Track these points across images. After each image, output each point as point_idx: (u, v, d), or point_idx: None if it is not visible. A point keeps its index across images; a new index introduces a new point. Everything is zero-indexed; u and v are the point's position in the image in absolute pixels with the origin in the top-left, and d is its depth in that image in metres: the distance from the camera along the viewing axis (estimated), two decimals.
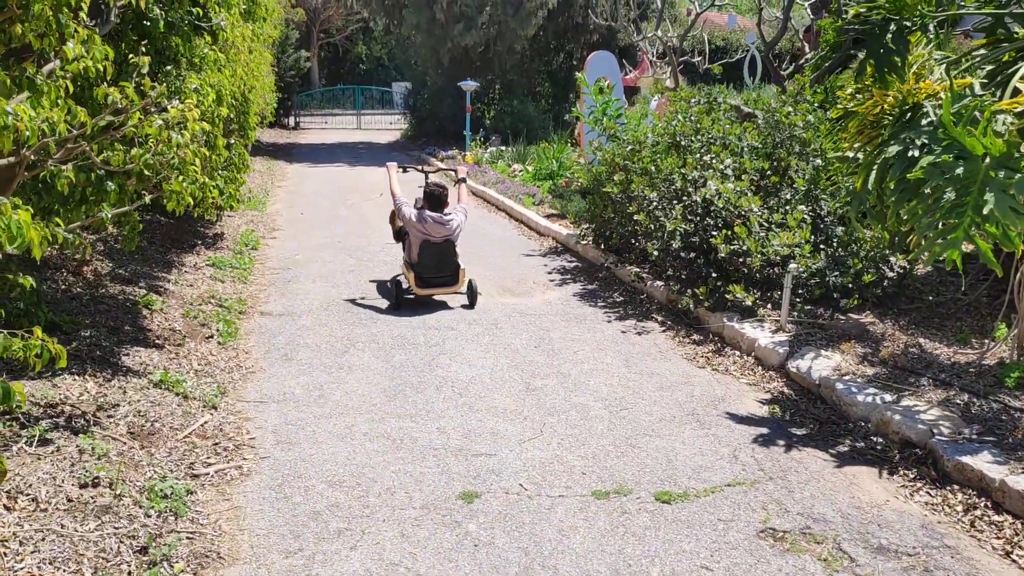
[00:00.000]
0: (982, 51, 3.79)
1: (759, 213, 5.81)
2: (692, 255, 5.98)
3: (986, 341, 4.84)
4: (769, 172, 6.42)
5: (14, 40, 3.07)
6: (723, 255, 5.66)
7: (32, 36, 3.10)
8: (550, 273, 7.45)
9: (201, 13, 4.74)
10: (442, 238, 6.13)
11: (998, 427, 3.79)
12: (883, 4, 3.73)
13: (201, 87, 4.63)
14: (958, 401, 4.09)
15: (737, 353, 5.23)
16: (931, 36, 3.77)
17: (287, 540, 3.04)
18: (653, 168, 6.68)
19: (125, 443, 3.55)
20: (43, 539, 2.76)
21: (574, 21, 18.38)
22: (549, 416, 4.24)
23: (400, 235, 6.68)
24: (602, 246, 7.67)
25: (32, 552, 2.68)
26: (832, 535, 3.14)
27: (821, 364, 4.65)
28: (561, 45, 19.27)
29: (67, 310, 4.92)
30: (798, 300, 5.54)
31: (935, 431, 3.77)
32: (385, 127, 24.91)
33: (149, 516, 3.03)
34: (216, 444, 3.77)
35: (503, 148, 15.38)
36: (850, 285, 5.51)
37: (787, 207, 5.99)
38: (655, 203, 6.45)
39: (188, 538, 2.97)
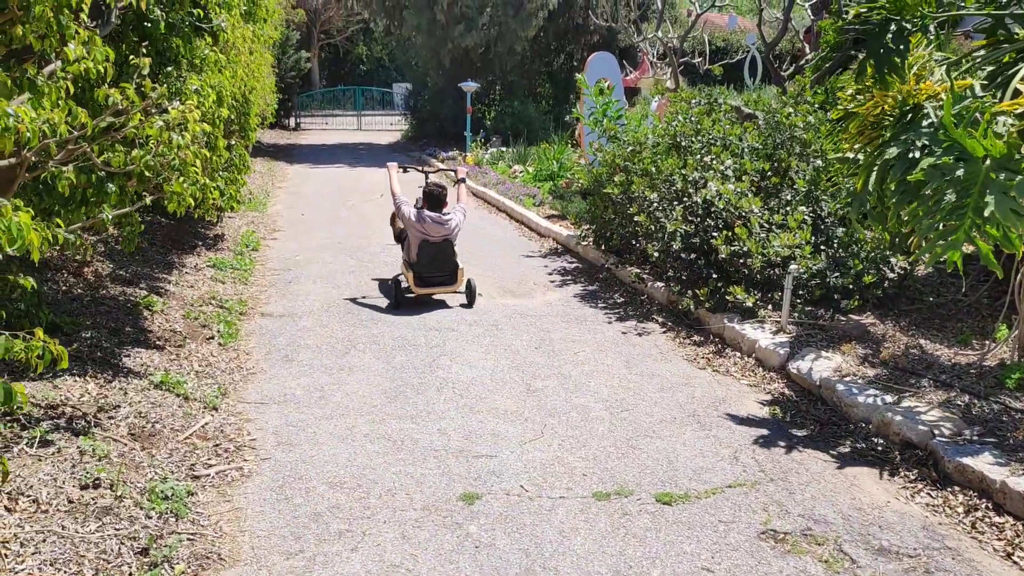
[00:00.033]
0: (982, 52, 3.79)
1: (760, 214, 5.81)
2: (693, 256, 5.98)
3: (987, 342, 4.84)
4: (770, 173, 6.42)
5: (15, 41, 3.07)
6: (724, 256, 5.65)
7: (33, 37, 3.10)
8: (551, 274, 7.45)
9: (202, 14, 4.75)
10: (440, 238, 6.15)
11: (999, 428, 3.79)
12: (883, 4, 3.73)
13: (202, 88, 4.64)
14: (959, 402, 4.09)
15: (738, 354, 5.23)
16: (931, 37, 3.77)
17: (288, 541, 3.04)
18: (654, 169, 6.68)
19: (126, 444, 3.55)
20: (44, 540, 2.76)
21: (574, 22, 18.38)
22: (550, 417, 4.24)
23: (401, 237, 6.70)
24: (603, 247, 7.67)
25: (33, 553, 2.68)
26: (833, 536, 3.14)
27: (822, 365, 4.65)
28: (562, 46, 19.28)
29: (68, 311, 4.92)
30: (799, 301, 5.54)
31: (936, 432, 3.77)
32: (386, 128, 24.91)
33: (150, 517, 3.03)
34: (217, 445, 3.77)
35: (504, 149, 15.38)
36: (851, 286, 5.51)
37: (788, 208, 5.99)
38: (656, 204, 6.45)
39: (189, 539, 2.97)
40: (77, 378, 4.09)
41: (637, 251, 7.00)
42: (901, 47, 3.61)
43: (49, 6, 3.03)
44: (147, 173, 3.73)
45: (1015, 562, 2.98)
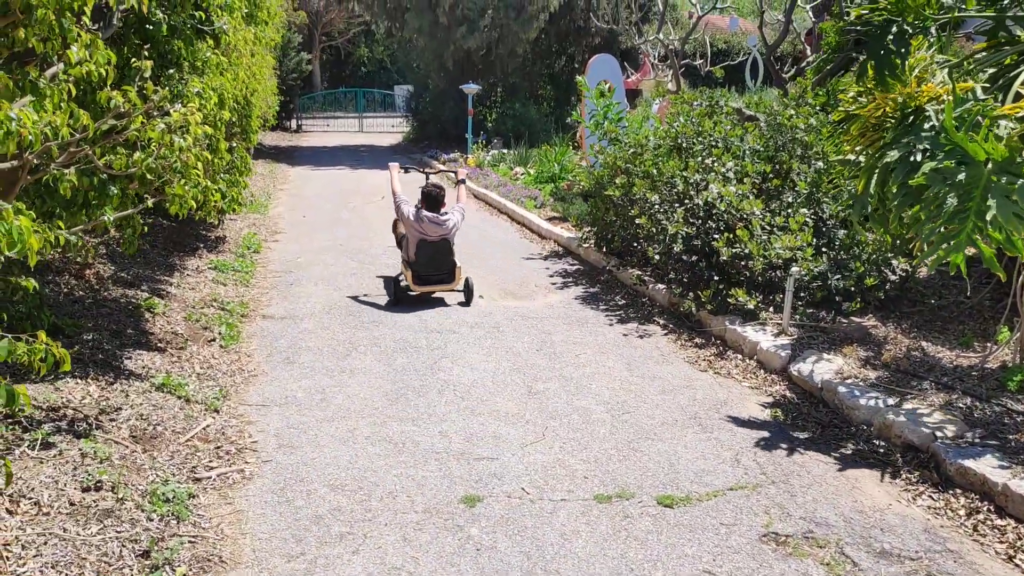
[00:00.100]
0: (983, 54, 3.79)
1: (761, 216, 5.81)
2: (694, 258, 5.98)
3: (988, 345, 4.83)
4: (771, 175, 6.41)
5: (17, 44, 3.08)
6: (725, 258, 5.65)
7: (35, 40, 3.10)
8: (552, 276, 7.45)
9: (203, 17, 4.76)
10: (438, 237, 6.24)
11: (1001, 431, 3.79)
12: (885, 6, 3.73)
13: (203, 91, 4.64)
14: (960, 405, 4.09)
15: (739, 356, 5.23)
16: (933, 39, 3.77)
17: (289, 544, 3.04)
18: (655, 171, 6.68)
19: (127, 447, 3.55)
20: (45, 543, 2.76)
21: (576, 24, 18.40)
22: (551, 420, 4.23)
23: (401, 239, 6.75)
24: (604, 249, 7.67)
25: (34, 556, 2.68)
26: (835, 539, 3.13)
27: (823, 367, 4.65)
28: (563, 48, 19.29)
29: (69, 313, 4.93)
30: (800, 303, 5.53)
31: (938, 435, 3.76)
32: (387, 130, 24.94)
33: (151, 520, 3.03)
34: (218, 448, 3.77)
35: (505, 151, 15.38)
36: (852, 288, 5.51)
37: (789, 210, 5.98)
38: (657, 206, 6.45)
39: (190, 542, 2.97)
40: (78, 380, 4.09)
41: (638, 253, 7.00)
42: (902, 49, 3.61)
43: (51, 9, 3.03)
44: (149, 175, 3.73)
45: (1017, 565, 2.98)
